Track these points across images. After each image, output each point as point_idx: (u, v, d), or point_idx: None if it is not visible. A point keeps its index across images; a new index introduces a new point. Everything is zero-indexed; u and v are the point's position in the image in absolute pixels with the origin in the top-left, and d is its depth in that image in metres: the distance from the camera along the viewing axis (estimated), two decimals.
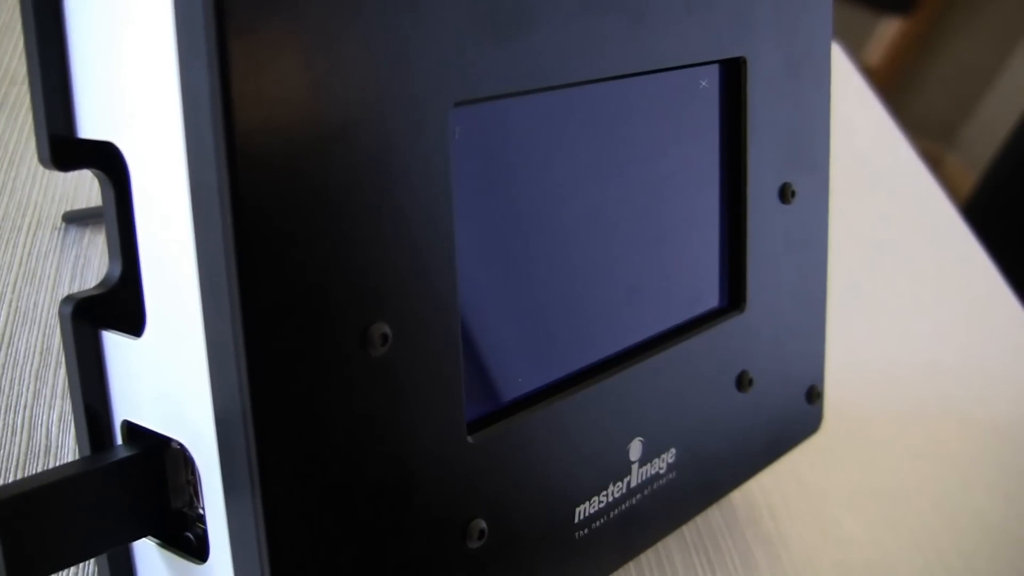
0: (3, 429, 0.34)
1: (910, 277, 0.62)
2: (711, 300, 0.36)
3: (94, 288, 0.27)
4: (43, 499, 0.25)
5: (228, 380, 0.23)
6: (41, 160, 0.26)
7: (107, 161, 0.27)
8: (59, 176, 0.43)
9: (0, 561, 0.24)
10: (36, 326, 0.37)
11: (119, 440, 0.28)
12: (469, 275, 0.27)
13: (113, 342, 0.27)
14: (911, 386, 0.53)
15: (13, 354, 0.36)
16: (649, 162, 0.32)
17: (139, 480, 0.27)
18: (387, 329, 0.25)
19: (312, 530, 0.24)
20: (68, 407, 0.35)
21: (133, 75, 0.24)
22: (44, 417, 0.35)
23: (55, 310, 0.38)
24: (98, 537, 0.27)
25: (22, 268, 0.39)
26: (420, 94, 0.25)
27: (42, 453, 0.34)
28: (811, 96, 0.37)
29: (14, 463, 0.33)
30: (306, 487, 0.24)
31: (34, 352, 0.37)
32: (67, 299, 0.27)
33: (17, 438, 0.34)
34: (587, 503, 0.31)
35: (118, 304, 0.27)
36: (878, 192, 0.71)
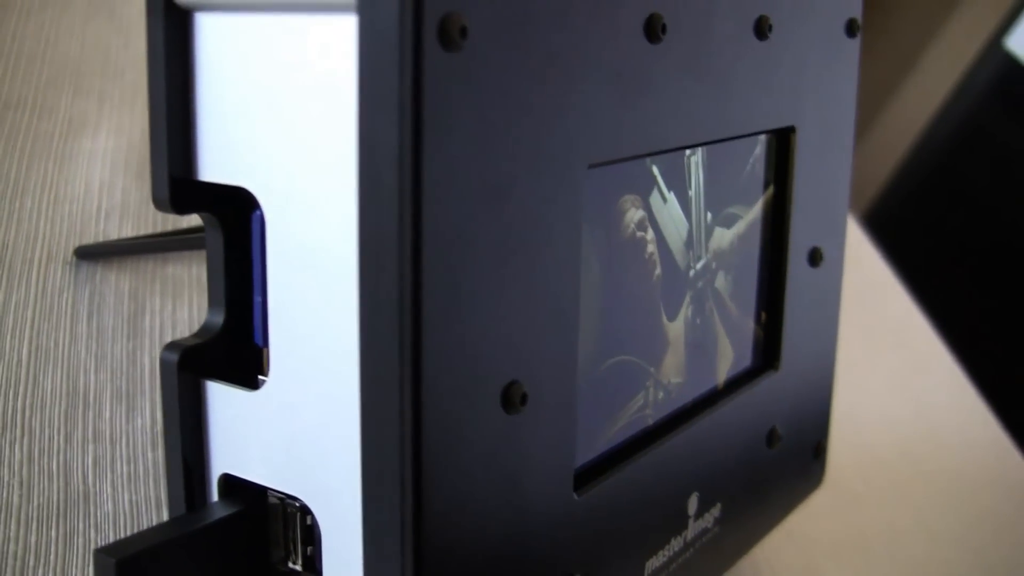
0: (39, 474, 0.33)
1: (858, 332, 0.65)
2: (751, 359, 0.37)
3: (193, 336, 0.27)
4: (158, 556, 0.24)
5: (387, 437, 0.22)
6: (157, 202, 0.26)
7: (220, 205, 0.26)
8: (65, 208, 0.41)
9: None
10: (59, 366, 0.36)
11: (214, 495, 0.27)
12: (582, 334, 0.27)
13: (218, 393, 0.26)
14: (873, 439, 0.55)
15: (40, 395, 0.35)
16: (719, 225, 0.33)
17: (240, 536, 0.26)
18: (525, 389, 0.25)
19: None
20: (101, 451, 0.34)
21: (282, 123, 0.24)
22: (79, 462, 0.33)
23: (76, 348, 0.37)
24: None
25: (38, 305, 0.37)
26: (563, 156, 0.25)
27: (81, 500, 0.32)
28: (839, 161, 0.39)
29: (55, 510, 0.32)
30: (446, 546, 0.24)
31: (60, 393, 0.35)
32: (172, 346, 0.26)
33: (54, 484, 0.33)
34: (654, 557, 0.32)
35: (224, 354, 0.27)
36: None
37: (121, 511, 0.33)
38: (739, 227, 0.35)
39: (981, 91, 1.09)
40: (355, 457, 0.23)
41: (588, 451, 0.29)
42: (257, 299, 0.26)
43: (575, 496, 0.27)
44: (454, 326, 0.23)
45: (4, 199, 0.40)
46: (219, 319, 0.27)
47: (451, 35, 0.21)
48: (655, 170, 0.30)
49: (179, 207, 0.25)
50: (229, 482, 0.27)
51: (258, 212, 0.25)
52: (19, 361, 0.35)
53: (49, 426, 0.34)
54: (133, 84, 0.48)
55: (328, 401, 0.24)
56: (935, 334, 0.67)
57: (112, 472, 0.33)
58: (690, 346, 0.33)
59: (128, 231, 0.42)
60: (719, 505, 0.35)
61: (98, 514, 0.32)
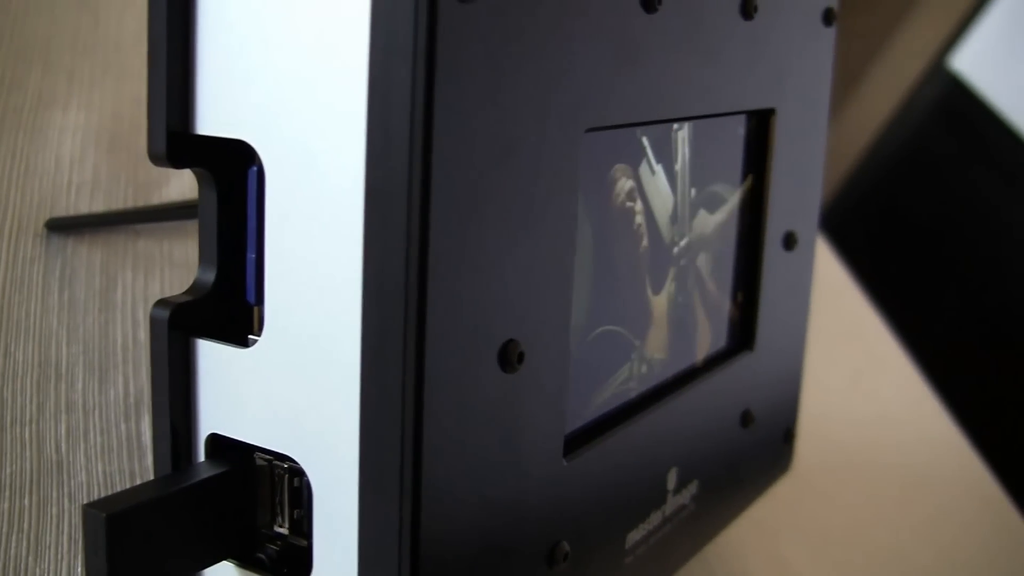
0: (12, 443, 0.32)
1: (815, 331, 0.66)
2: (728, 339, 0.37)
3: (184, 294, 0.26)
4: (146, 513, 0.24)
5: (388, 393, 0.22)
6: (153, 156, 0.25)
7: (215, 160, 0.26)
8: (36, 181, 0.40)
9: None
10: (31, 336, 0.35)
11: (201, 455, 0.27)
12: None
13: (208, 351, 0.26)
14: (832, 433, 0.55)
15: (12, 365, 0.34)
16: (702, 203, 0.34)
17: (226, 497, 0.26)
18: (522, 348, 0.25)
19: (437, 548, 0.24)
20: (74, 422, 0.33)
21: (287, 73, 0.23)
22: (52, 432, 0.33)
23: (48, 320, 0.36)
24: (182, 558, 0.25)
25: (9, 275, 0.37)
26: (563, 117, 0.25)
27: (55, 469, 0.32)
28: (814, 147, 0.40)
29: (28, 479, 0.31)
30: (443, 506, 0.23)
31: (32, 364, 0.34)
32: (162, 303, 0.26)
33: (27, 453, 0.32)
34: (635, 530, 0.32)
35: (214, 312, 0.26)
36: None
37: (95, 482, 0.32)
38: (720, 207, 0.35)
39: (925, 109, 1.11)
40: (352, 415, 0.23)
41: (576, 418, 0.29)
42: (250, 256, 0.26)
43: (564, 462, 0.27)
44: (457, 281, 0.23)
45: None
46: (210, 276, 0.26)
47: None
48: (644, 141, 0.30)
49: (175, 161, 0.25)
50: (216, 442, 0.26)
51: (254, 167, 0.25)
52: None
53: (21, 395, 0.33)
54: (103, 62, 0.48)
55: (325, 358, 0.24)
56: (889, 333, 0.68)
57: (85, 443, 0.33)
58: (672, 322, 0.33)
59: (99, 206, 0.41)
60: (696, 482, 0.35)
61: (71, 484, 0.32)
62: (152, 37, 0.24)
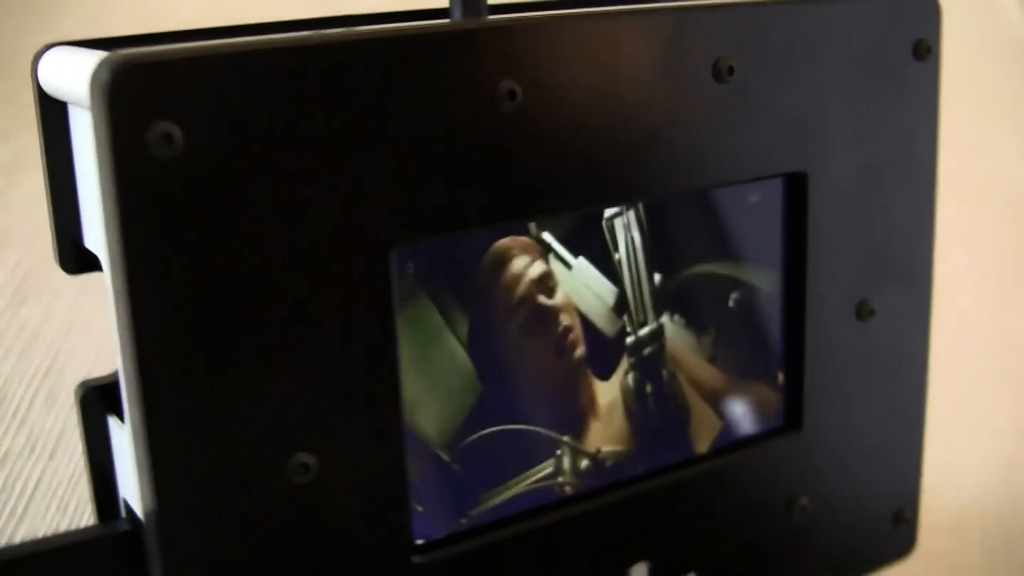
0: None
1: None
2: (759, 421, 0.34)
3: (105, 377, 0.30)
4: (37, 563, 0.28)
5: (145, 490, 0.25)
6: (59, 262, 0.29)
7: None
8: None
9: None
10: None
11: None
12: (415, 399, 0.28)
13: (115, 426, 0.30)
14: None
15: None
16: (681, 285, 0.31)
17: (127, 555, 0.30)
18: (310, 459, 0.26)
19: None
20: None
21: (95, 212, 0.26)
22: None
23: None
24: None
25: None
26: (346, 242, 0.25)
27: None
28: (902, 202, 0.34)
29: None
30: None
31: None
32: (82, 384, 0.30)
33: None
34: None
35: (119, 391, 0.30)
36: None
37: None
38: (721, 283, 0.32)
39: None
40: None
41: (445, 517, 0.29)
42: None
43: (415, 559, 0.28)
44: (222, 412, 0.25)
45: None
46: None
47: (156, 144, 0.23)
48: (547, 237, 0.29)
49: (70, 268, 0.29)
50: (127, 504, 0.30)
51: None
52: None
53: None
54: None
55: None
56: None
57: None
58: (637, 414, 0.31)
59: None
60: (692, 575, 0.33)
61: None
62: (45, 165, 0.28)
